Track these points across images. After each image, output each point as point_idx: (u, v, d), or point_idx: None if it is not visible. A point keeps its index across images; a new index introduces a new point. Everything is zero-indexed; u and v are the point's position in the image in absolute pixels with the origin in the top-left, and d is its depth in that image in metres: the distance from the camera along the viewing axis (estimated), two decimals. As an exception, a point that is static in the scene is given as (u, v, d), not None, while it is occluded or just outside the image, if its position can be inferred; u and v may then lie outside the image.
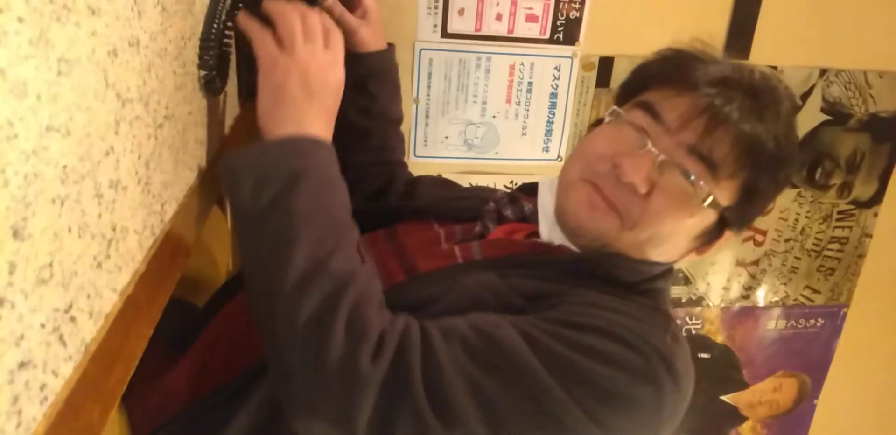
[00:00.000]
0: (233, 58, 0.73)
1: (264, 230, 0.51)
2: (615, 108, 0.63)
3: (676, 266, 0.66)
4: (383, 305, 0.52)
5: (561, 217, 0.63)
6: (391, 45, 0.84)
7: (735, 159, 0.56)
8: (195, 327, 0.72)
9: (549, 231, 0.64)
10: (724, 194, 0.58)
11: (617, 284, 0.59)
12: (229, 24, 0.64)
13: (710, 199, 0.57)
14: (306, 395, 0.47)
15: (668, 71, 0.62)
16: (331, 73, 0.57)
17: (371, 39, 0.79)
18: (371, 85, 0.80)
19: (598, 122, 0.65)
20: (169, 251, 0.52)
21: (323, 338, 0.47)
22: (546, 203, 0.65)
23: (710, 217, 0.60)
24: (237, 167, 0.52)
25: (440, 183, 0.90)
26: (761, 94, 0.58)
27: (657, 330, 0.54)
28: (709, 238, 0.63)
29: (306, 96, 0.55)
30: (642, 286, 0.61)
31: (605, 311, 0.54)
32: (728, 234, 0.63)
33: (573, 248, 0.62)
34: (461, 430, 0.47)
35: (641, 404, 0.50)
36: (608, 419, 0.49)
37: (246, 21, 0.58)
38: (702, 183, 0.57)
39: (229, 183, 0.53)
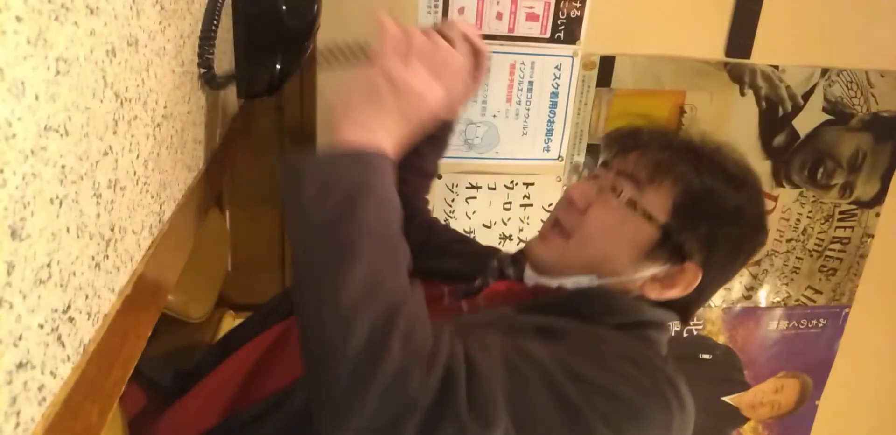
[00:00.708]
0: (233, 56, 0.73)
1: (325, 239, 0.50)
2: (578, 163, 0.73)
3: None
4: (428, 323, 0.53)
5: (527, 252, 0.70)
6: None
7: (654, 169, 0.64)
8: (198, 370, 0.73)
9: (531, 277, 0.69)
10: (654, 204, 0.63)
11: (611, 324, 0.62)
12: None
13: (628, 197, 0.63)
14: (349, 408, 0.47)
15: (622, 136, 0.71)
16: (427, 103, 0.57)
17: (453, 107, 0.78)
18: (424, 145, 0.80)
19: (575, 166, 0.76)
20: (168, 252, 0.52)
21: (378, 356, 0.47)
22: None
23: (646, 229, 0.63)
24: (304, 169, 0.52)
25: (455, 239, 0.91)
26: (700, 148, 0.66)
27: (659, 360, 0.58)
28: (666, 265, 0.63)
29: (394, 107, 0.55)
30: (636, 331, 0.63)
31: (613, 340, 0.59)
32: (692, 267, 0.63)
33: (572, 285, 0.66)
34: (498, 432, 0.49)
35: (653, 421, 0.53)
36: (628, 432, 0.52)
37: (386, 18, 0.58)
38: (623, 189, 0.64)
39: (293, 183, 0.52)
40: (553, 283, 0.66)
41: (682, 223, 0.62)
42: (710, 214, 0.62)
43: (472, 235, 1.37)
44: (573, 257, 0.65)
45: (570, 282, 0.65)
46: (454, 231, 0.94)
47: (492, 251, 0.83)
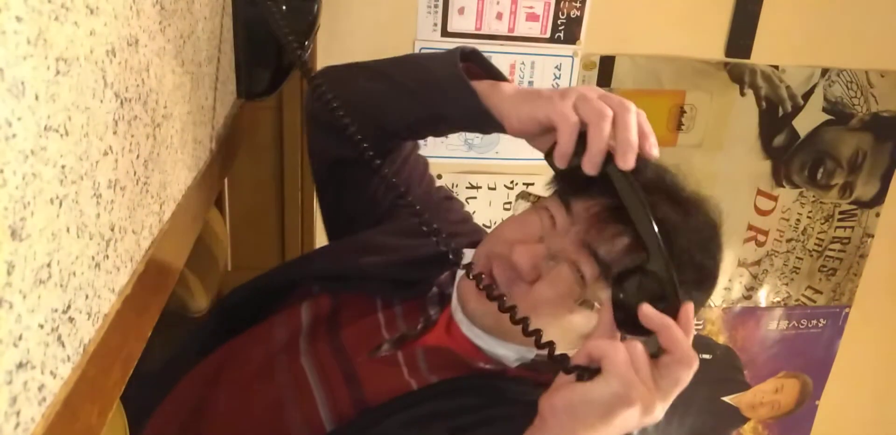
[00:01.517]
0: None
1: None
2: (528, 192, 0.61)
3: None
4: None
5: (457, 291, 0.61)
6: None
7: (628, 259, 0.53)
8: (151, 396, 0.67)
9: (466, 325, 0.61)
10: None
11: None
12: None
13: (585, 301, 0.54)
14: None
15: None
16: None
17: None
18: (443, 129, 0.67)
19: (525, 194, 0.62)
20: (167, 252, 0.52)
21: None
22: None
23: (596, 319, 0.55)
24: None
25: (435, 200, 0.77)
26: (684, 201, 0.56)
27: None
28: None
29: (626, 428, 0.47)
30: None
31: None
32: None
33: (508, 359, 0.60)
34: None
35: None
36: None
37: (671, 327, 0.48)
38: (587, 282, 0.54)
39: None
40: (493, 349, 0.60)
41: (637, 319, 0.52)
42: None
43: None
44: (511, 329, 0.54)
45: (513, 356, 0.59)
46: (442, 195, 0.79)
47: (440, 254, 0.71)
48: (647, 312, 0.48)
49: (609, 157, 0.51)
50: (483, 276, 0.51)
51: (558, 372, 0.47)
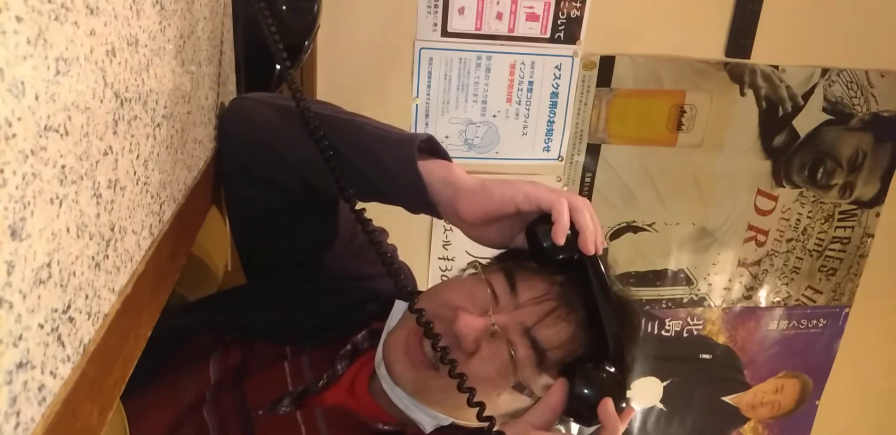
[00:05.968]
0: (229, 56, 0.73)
1: None
2: (479, 261, 0.62)
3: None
4: None
5: (384, 349, 0.60)
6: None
7: (569, 353, 0.56)
8: None
9: (385, 379, 0.60)
10: (546, 387, 0.56)
11: None
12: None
13: (518, 384, 0.56)
14: None
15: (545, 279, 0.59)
16: None
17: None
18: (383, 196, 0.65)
19: (476, 264, 0.62)
20: (167, 252, 0.52)
21: None
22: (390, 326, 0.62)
23: (522, 400, 0.58)
24: None
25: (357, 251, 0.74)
26: (623, 304, 0.58)
27: None
28: None
29: None
30: None
31: None
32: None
33: (423, 423, 0.59)
34: None
35: None
36: None
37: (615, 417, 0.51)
38: (521, 366, 0.55)
39: None
40: (410, 411, 0.59)
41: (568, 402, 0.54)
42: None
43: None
44: (436, 394, 0.57)
45: (427, 420, 0.59)
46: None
47: (364, 301, 0.70)
48: (609, 408, 0.51)
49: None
50: (440, 337, 0.51)
51: None
